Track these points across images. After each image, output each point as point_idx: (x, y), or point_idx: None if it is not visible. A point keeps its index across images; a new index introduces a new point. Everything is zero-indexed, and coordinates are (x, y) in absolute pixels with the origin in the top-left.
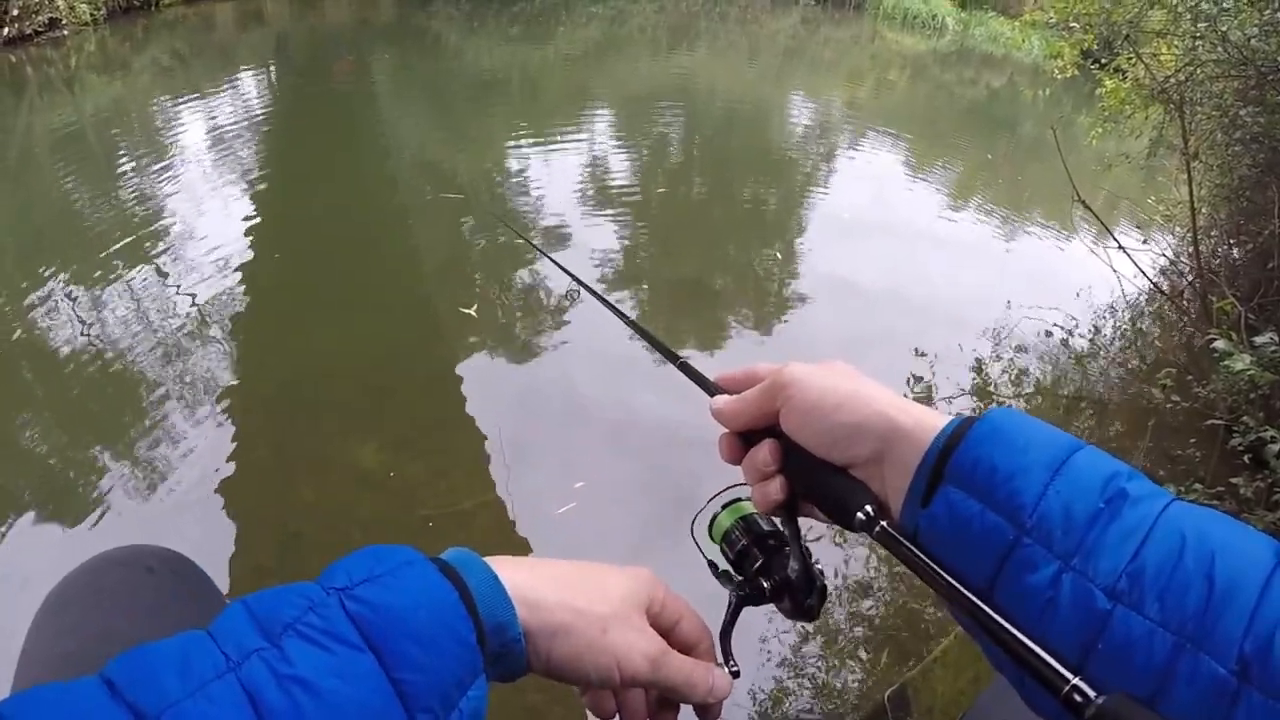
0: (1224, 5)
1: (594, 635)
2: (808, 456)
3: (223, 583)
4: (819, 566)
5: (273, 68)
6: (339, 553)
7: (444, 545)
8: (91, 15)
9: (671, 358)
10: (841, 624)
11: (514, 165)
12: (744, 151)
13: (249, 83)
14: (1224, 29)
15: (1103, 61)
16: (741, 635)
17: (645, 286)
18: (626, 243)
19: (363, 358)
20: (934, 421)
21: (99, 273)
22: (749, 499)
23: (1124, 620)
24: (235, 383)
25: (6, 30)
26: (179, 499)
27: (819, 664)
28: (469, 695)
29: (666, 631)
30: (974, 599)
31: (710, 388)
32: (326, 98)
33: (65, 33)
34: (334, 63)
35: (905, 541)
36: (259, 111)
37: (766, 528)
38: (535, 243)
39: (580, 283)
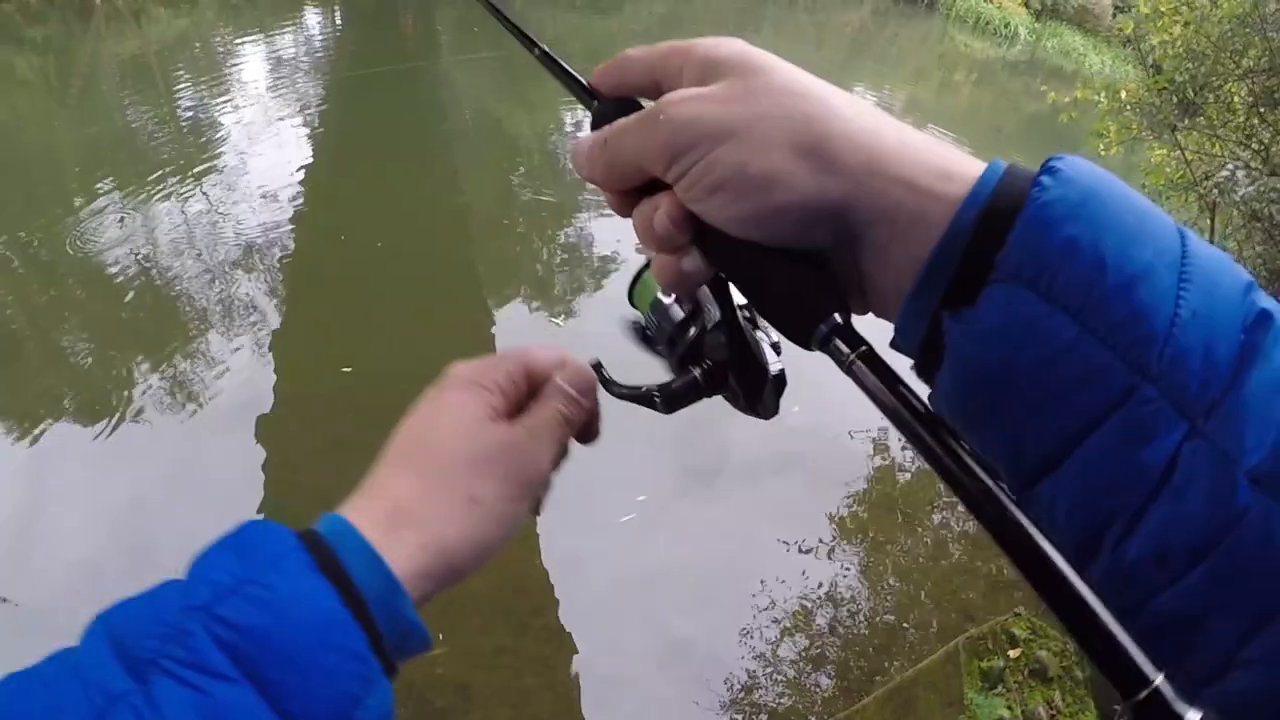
0: None
1: (476, 530)
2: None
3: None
4: (773, 335)
5: (338, 12)
6: None
7: None
8: None
9: (528, 44)
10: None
11: (568, 126)
12: None
13: (314, 26)
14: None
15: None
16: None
17: None
18: None
19: (412, 321)
20: (953, 176)
21: (152, 194)
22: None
23: (1263, 523)
24: (276, 314)
25: None
26: (209, 419)
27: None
28: (368, 706)
29: (530, 391)
30: (1016, 510)
31: (585, 94)
32: (389, 48)
33: None
34: (400, 15)
35: (902, 381)
36: (321, 55)
37: (711, 310)
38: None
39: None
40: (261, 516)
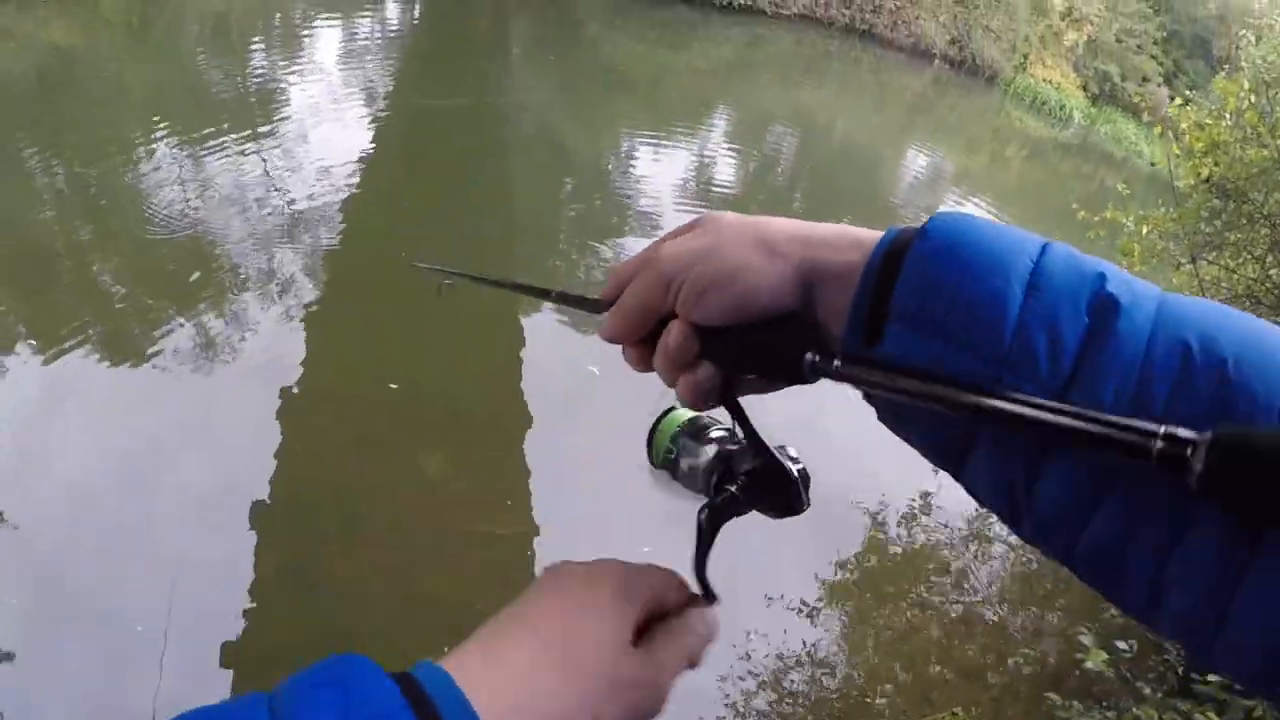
0: None
1: None
2: (724, 329)
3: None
4: (790, 449)
5: (417, 7)
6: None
7: None
8: None
9: (542, 294)
10: None
11: (624, 150)
12: (850, 188)
13: (392, 16)
14: None
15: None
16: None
17: None
18: None
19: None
20: (865, 244)
21: (210, 148)
22: (682, 405)
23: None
24: (311, 289)
25: None
26: (229, 376)
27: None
28: None
29: (656, 619)
30: (1009, 393)
31: (595, 306)
32: (462, 49)
33: None
34: (472, 19)
35: (874, 366)
36: (395, 42)
37: (719, 430)
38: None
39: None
40: (268, 490)
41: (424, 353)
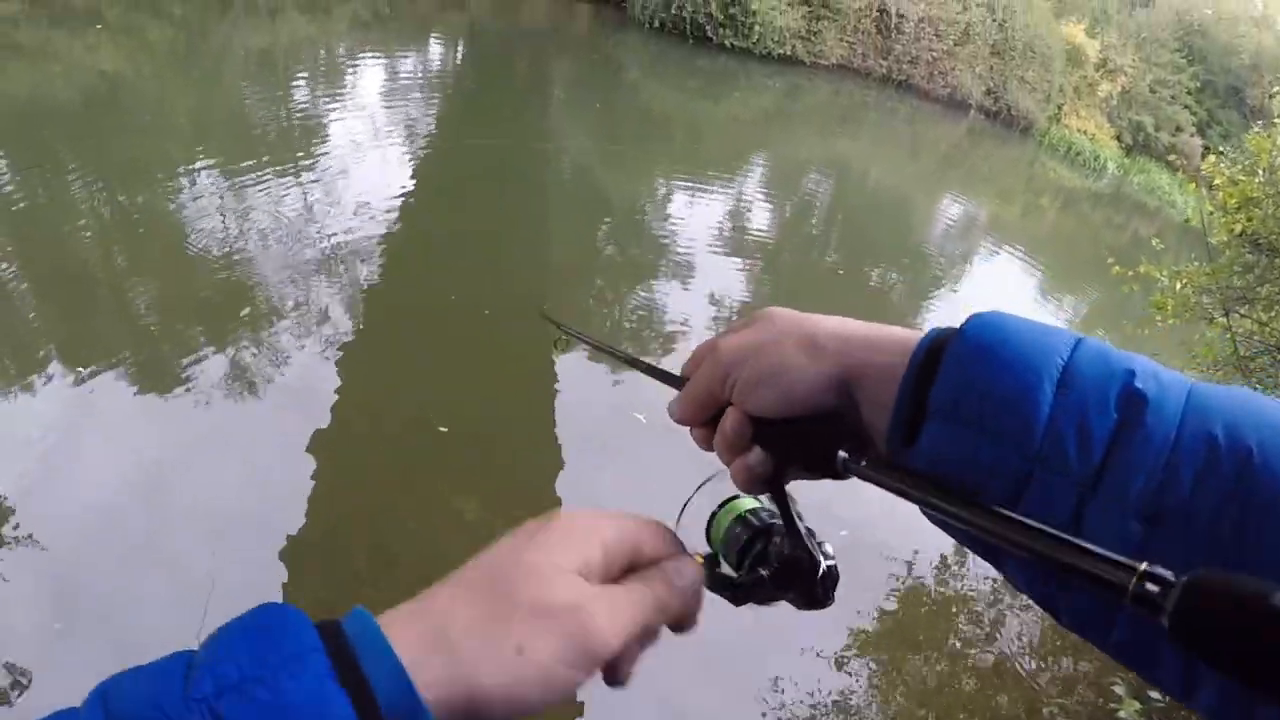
0: None
1: (514, 683)
2: (775, 420)
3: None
4: (827, 546)
5: (460, 49)
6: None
7: None
8: None
9: (637, 364)
10: None
11: (661, 195)
12: (883, 236)
13: (435, 55)
14: None
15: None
16: None
17: None
18: (748, 292)
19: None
20: (905, 345)
21: (250, 179)
22: (736, 486)
23: (1162, 543)
24: (347, 322)
25: None
26: (259, 406)
27: None
28: None
29: (629, 567)
30: (998, 509)
31: (677, 383)
32: (502, 91)
33: None
34: (513, 65)
35: (896, 470)
36: (436, 85)
37: (771, 520)
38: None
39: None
40: (301, 524)
41: (461, 391)
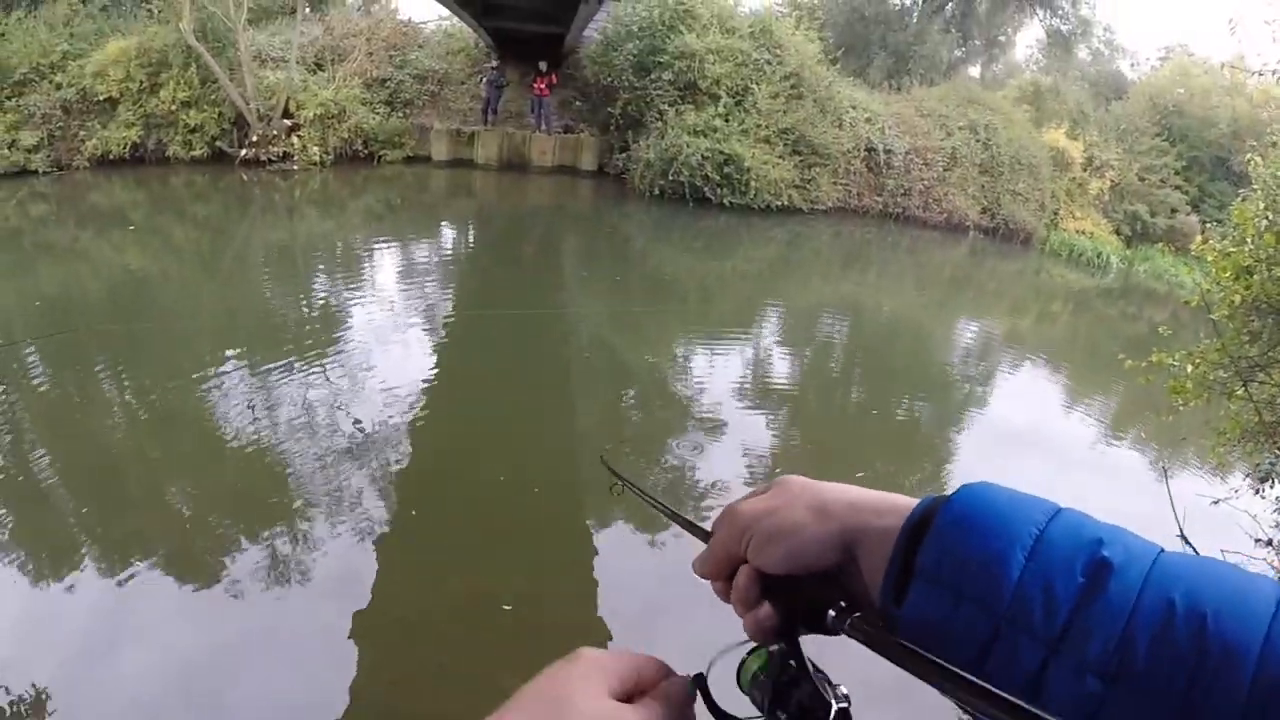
0: None
1: None
2: (782, 576)
3: None
4: (841, 689)
5: (471, 231)
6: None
7: None
8: (320, 157)
9: (676, 518)
10: None
11: (680, 356)
12: (903, 366)
13: (448, 242)
14: None
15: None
16: None
17: None
18: (778, 442)
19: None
20: (903, 511)
21: (277, 372)
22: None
23: (1121, 701)
24: (382, 510)
25: (244, 152)
26: (299, 596)
27: None
28: None
29: (635, 694)
30: (961, 673)
31: (706, 537)
32: (515, 271)
33: (295, 167)
34: (524, 243)
35: (880, 632)
36: (450, 267)
37: (792, 663)
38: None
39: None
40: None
41: (497, 572)
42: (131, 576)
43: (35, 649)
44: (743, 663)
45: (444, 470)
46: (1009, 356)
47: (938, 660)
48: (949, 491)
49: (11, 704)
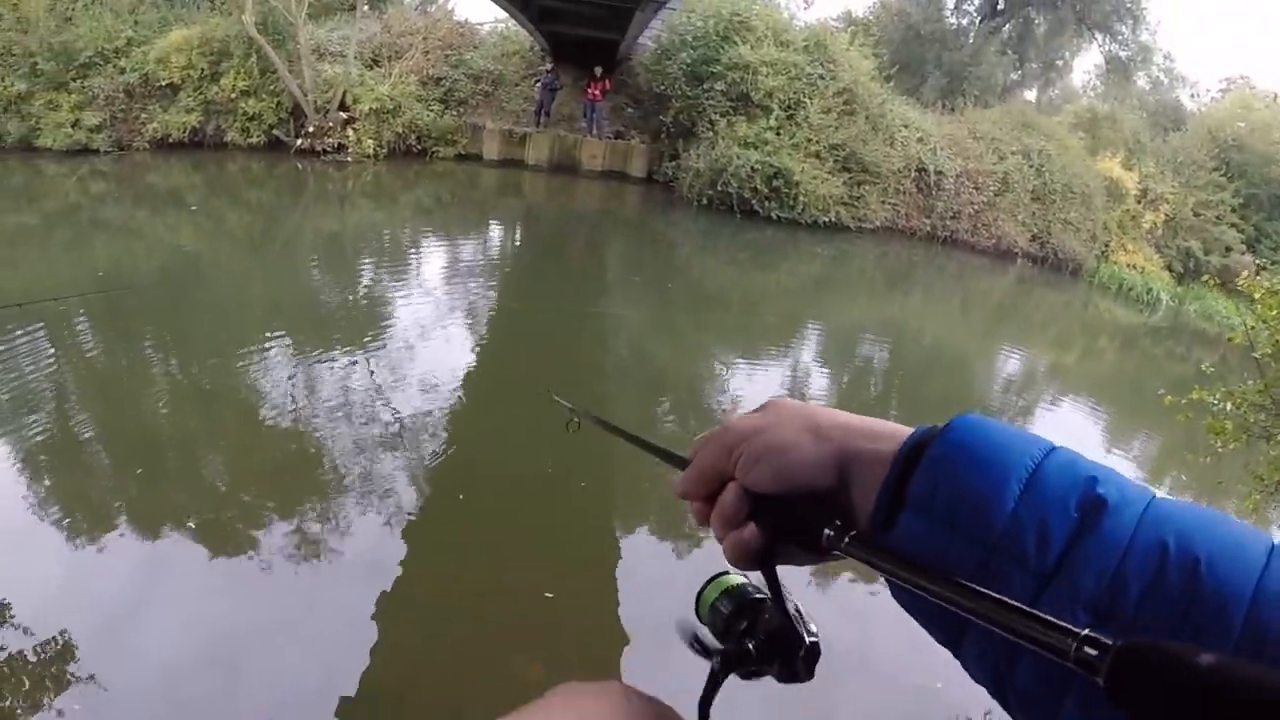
0: None
1: None
2: (771, 496)
3: None
4: (812, 625)
5: (519, 232)
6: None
7: None
8: (374, 150)
9: (642, 444)
10: None
11: (718, 369)
12: (944, 394)
13: (495, 240)
14: None
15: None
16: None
17: None
18: None
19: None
20: (898, 437)
21: (320, 357)
22: (733, 572)
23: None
24: (413, 498)
25: (300, 141)
26: (326, 574)
27: None
28: None
29: None
30: (965, 582)
31: (680, 463)
32: (559, 271)
33: (349, 159)
34: (570, 245)
35: (873, 548)
36: (496, 264)
37: (756, 595)
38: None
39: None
40: (362, 691)
41: (521, 564)
42: (164, 543)
43: (68, 607)
44: (700, 593)
45: (476, 460)
46: (1051, 391)
47: (939, 572)
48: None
49: (42, 659)
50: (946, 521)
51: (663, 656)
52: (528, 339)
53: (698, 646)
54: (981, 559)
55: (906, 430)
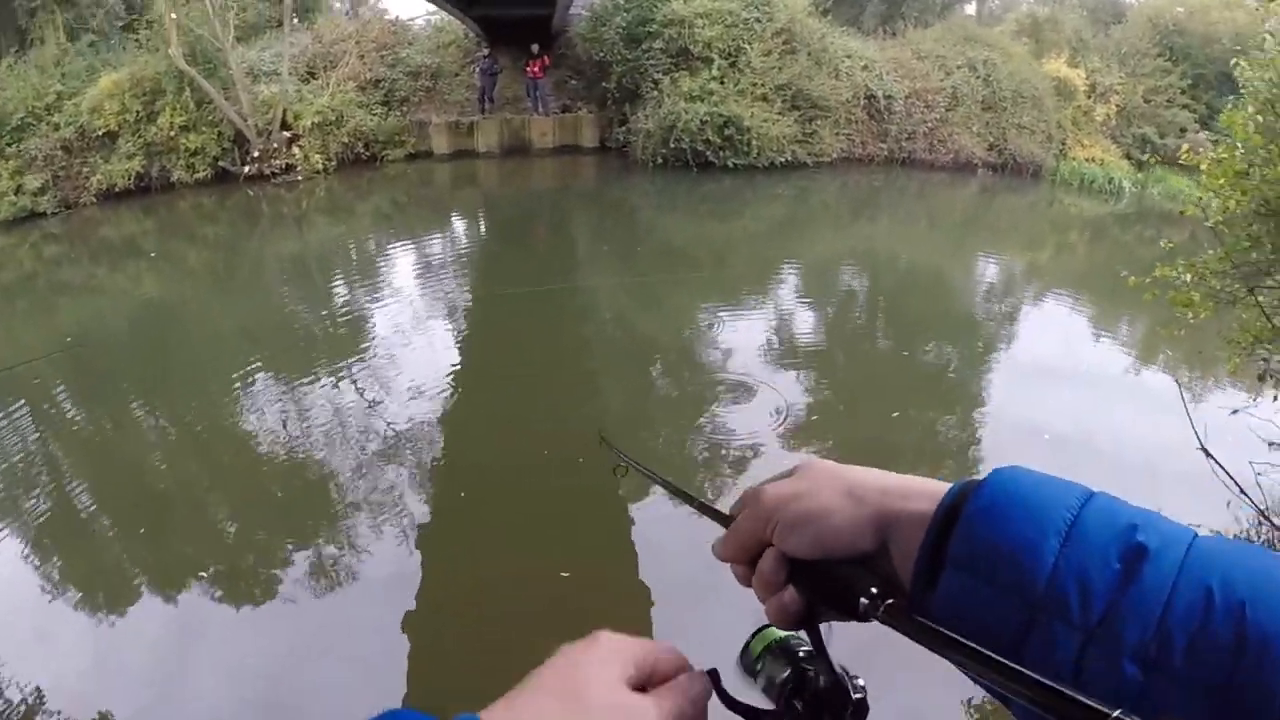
0: None
1: None
2: (809, 561)
3: None
4: (859, 680)
5: (482, 221)
6: None
7: None
8: (323, 164)
9: (688, 500)
10: None
11: (703, 323)
12: (926, 311)
13: (459, 233)
14: None
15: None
16: None
17: (829, 444)
18: (808, 399)
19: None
20: (935, 496)
21: (304, 381)
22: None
23: (1161, 690)
24: (422, 507)
25: (247, 168)
26: (350, 598)
27: None
28: None
29: (650, 681)
30: (996, 657)
31: (726, 521)
32: (527, 253)
33: (299, 177)
34: (533, 226)
35: (917, 619)
36: (465, 259)
37: (802, 650)
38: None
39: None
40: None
41: (533, 550)
42: (183, 597)
43: (105, 688)
44: (747, 645)
45: (473, 455)
46: (1031, 290)
47: (978, 647)
48: (980, 476)
49: None
50: (988, 579)
51: (689, 615)
52: (508, 326)
53: (752, 713)
54: (1026, 616)
55: (943, 487)
